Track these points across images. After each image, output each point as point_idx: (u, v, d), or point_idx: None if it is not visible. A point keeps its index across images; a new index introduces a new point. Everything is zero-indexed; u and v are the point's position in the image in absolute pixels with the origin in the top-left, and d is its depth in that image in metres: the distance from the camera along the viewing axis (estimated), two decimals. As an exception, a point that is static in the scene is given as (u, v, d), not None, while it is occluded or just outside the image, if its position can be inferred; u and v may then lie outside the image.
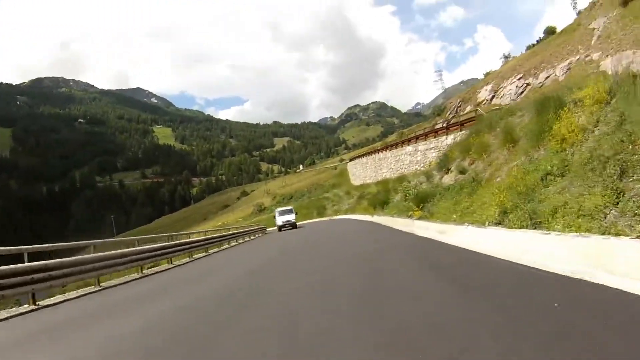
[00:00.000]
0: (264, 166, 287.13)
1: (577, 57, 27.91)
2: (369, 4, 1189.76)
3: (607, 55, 23.97)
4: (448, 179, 15.78)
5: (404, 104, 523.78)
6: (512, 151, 10.86)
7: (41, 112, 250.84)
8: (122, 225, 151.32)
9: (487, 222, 8.35)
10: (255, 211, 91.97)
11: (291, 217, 38.66)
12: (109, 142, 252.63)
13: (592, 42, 26.82)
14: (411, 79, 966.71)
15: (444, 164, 17.35)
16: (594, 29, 27.86)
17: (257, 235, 37.44)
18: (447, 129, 33.86)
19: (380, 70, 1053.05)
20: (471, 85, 62.93)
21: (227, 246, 25.64)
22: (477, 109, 34.69)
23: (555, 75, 31.34)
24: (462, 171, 14.21)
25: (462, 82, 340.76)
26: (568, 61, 29.61)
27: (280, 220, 38.66)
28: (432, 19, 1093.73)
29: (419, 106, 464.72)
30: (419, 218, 13.51)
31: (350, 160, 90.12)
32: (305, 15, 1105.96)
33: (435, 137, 35.85)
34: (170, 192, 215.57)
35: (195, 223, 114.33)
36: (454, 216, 10.82)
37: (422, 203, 14.53)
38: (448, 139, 30.85)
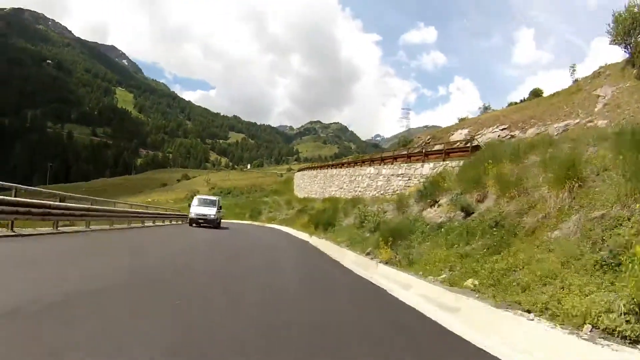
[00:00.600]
0: (213, 156, 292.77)
1: (577, 120, 26.49)
2: (356, 27, 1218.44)
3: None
4: (434, 214, 12.06)
5: (365, 133, 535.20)
6: (578, 193, 7.10)
7: (13, 43, 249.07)
8: (58, 177, 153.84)
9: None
10: (189, 197, 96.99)
11: (211, 212, 28.67)
12: (70, 92, 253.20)
13: (597, 109, 25.52)
14: (377, 111, 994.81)
15: (428, 194, 13.52)
16: (598, 96, 26.46)
17: (172, 222, 33.88)
18: (425, 156, 29.15)
19: (350, 94, 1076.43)
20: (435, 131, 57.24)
21: (147, 224, 26.67)
22: (473, 138, 30.49)
23: (548, 133, 27.35)
24: (466, 209, 10.40)
25: (426, 126, 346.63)
26: (565, 122, 28.15)
27: (195, 211, 28.98)
28: (414, 58, 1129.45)
29: (378, 138, 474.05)
30: (388, 262, 9.60)
31: (299, 170, 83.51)
32: (291, 20, 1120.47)
33: (406, 163, 31.03)
34: (115, 156, 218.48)
35: (130, 193, 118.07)
36: (470, 281, 6.49)
37: (392, 239, 10.29)
38: (424, 168, 27.66)
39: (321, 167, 61.38)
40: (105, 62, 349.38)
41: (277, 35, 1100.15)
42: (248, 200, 77.15)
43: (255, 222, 48.13)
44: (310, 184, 61.70)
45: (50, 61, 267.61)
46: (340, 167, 48.87)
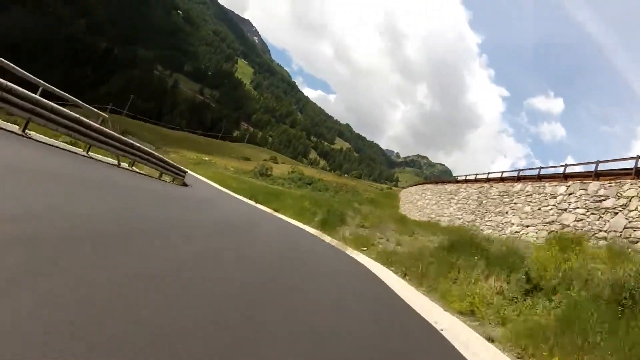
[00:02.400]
0: (313, 155, 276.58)
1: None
2: (488, 76, 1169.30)
3: None
4: None
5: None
6: None
7: None
8: (146, 116, 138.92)
9: None
10: (257, 172, 73.20)
11: None
12: (190, 45, 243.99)
13: None
14: (484, 166, 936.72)
15: None
16: None
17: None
18: None
19: (462, 140, 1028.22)
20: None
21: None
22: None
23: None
24: None
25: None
26: None
27: None
28: (534, 123, 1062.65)
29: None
30: None
31: (417, 184, 59.22)
32: (428, 49, 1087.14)
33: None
34: (214, 120, 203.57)
35: (205, 152, 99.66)
36: None
37: None
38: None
39: (459, 182, 37.46)
40: (236, 32, 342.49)
41: (410, 59, 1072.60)
42: (330, 199, 52.21)
43: (327, 235, 20.81)
44: (435, 203, 40.75)
45: (180, 12, 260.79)
46: (509, 182, 27.16)
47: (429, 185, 47.26)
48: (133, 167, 19.20)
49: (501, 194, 26.65)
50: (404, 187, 68.68)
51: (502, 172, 29.49)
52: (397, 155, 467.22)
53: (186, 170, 31.09)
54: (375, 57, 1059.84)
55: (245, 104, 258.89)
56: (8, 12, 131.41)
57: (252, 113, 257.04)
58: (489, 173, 31.55)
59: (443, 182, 42.48)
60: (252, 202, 32.16)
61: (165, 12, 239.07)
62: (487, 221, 26.73)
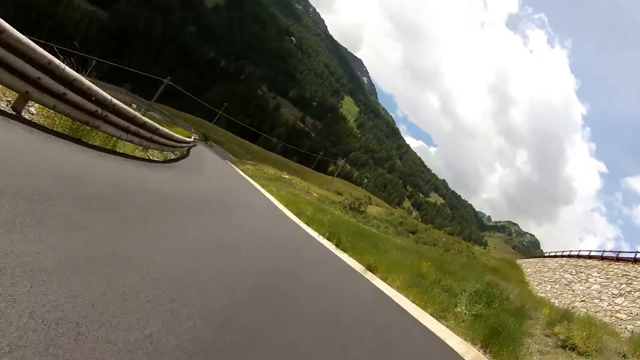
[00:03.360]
0: (407, 204, 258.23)
1: None
2: (588, 150, 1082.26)
3: None
4: None
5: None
6: None
7: (265, 4, 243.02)
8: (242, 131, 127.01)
9: None
10: (347, 204, 52.46)
11: None
12: (299, 73, 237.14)
13: None
14: (572, 242, 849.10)
15: None
16: None
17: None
18: None
19: (554, 212, 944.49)
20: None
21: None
22: None
23: None
24: None
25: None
26: None
27: None
28: (628, 205, 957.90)
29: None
30: None
31: (552, 256, 39.08)
32: (533, 117, 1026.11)
33: None
34: (311, 149, 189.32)
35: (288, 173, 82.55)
36: None
37: None
38: None
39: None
40: (346, 69, 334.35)
41: (515, 123, 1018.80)
42: (450, 261, 25.87)
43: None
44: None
45: (293, 39, 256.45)
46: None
47: (592, 262, 26.09)
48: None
49: None
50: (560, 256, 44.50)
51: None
52: (489, 218, 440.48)
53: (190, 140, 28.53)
54: (480, 115, 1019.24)
55: (346, 140, 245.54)
56: (116, 6, 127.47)
57: (351, 151, 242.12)
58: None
59: (617, 259, 23.63)
60: (329, 245, 15.44)
61: (278, 36, 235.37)
62: None
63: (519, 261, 47.68)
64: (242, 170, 44.30)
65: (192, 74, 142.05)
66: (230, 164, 51.64)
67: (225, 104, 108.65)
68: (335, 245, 15.29)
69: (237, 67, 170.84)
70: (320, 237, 16.15)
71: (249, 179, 34.48)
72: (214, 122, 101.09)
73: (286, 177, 52.88)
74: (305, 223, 18.44)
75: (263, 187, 30.26)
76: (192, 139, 33.70)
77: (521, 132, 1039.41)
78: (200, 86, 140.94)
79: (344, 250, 14.67)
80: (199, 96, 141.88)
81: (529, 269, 39.78)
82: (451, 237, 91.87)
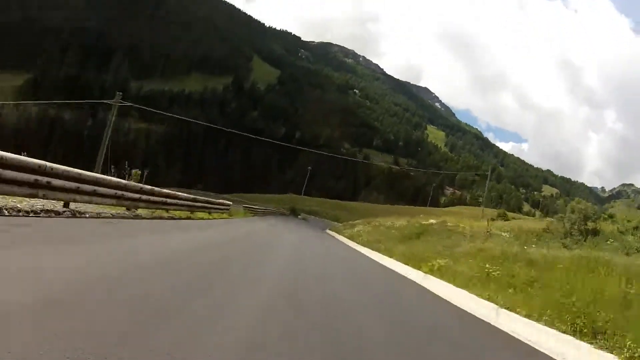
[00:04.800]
0: (526, 207, 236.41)
1: None
2: None
3: None
4: None
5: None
6: None
7: (316, 69, 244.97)
8: (341, 195, 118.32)
9: None
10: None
11: None
12: (375, 120, 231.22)
13: None
14: None
15: None
16: None
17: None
18: None
19: None
20: None
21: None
22: None
23: None
24: None
25: None
26: None
27: None
28: None
29: None
30: None
31: None
32: (606, 74, 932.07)
33: None
34: (416, 188, 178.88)
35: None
36: None
37: None
38: None
39: None
40: (416, 101, 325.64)
41: (591, 89, 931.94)
42: None
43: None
44: None
45: (356, 90, 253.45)
46: None
47: None
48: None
49: None
50: None
51: None
52: (603, 189, 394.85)
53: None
54: (557, 95, 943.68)
55: (445, 167, 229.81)
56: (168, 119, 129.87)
57: (454, 175, 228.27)
58: None
59: None
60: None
61: (341, 93, 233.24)
62: None
63: None
64: (350, 237, 30.64)
65: (270, 153, 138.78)
66: (333, 233, 39.69)
67: (309, 167, 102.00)
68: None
69: (312, 134, 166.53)
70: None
71: (371, 253, 20.04)
72: (302, 193, 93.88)
73: (433, 222, 30.44)
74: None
75: (401, 259, 14.96)
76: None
77: (601, 94, 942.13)
78: (285, 161, 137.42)
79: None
80: (283, 175, 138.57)
81: None
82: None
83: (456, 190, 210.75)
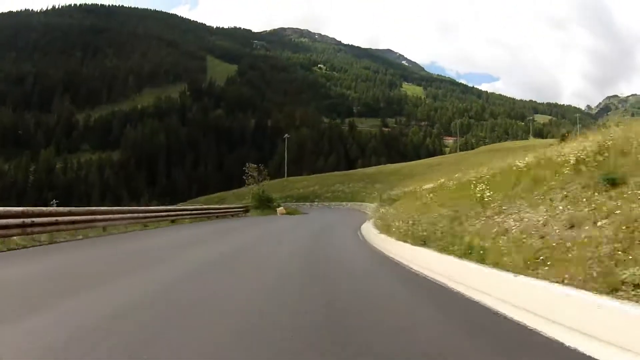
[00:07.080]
0: (531, 139, 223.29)
1: None
2: None
3: None
4: None
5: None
6: None
7: (275, 56, 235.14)
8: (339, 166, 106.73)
9: None
10: None
11: None
12: (347, 88, 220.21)
13: None
14: None
15: None
16: None
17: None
18: None
19: (637, 63, 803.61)
20: None
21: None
22: None
23: None
24: None
25: None
26: None
27: None
28: None
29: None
30: None
31: None
32: None
33: None
34: (415, 144, 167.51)
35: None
36: None
37: None
38: None
39: None
40: (383, 62, 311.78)
41: (555, 11, 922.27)
42: None
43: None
44: None
45: (321, 65, 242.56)
46: None
47: None
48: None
49: None
50: None
51: None
52: (589, 107, 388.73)
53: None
54: (525, 25, 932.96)
55: (437, 116, 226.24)
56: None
57: (448, 123, 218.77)
58: None
59: None
60: None
61: (307, 71, 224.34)
62: None
63: None
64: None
65: (251, 148, 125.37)
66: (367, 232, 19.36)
67: (286, 135, 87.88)
68: None
69: (286, 117, 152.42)
70: None
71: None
72: (285, 174, 78.74)
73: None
74: None
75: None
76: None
77: (564, 11, 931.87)
78: (269, 150, 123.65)
79: None
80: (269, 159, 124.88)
81: None
82: None
83: (456, 138, 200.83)
